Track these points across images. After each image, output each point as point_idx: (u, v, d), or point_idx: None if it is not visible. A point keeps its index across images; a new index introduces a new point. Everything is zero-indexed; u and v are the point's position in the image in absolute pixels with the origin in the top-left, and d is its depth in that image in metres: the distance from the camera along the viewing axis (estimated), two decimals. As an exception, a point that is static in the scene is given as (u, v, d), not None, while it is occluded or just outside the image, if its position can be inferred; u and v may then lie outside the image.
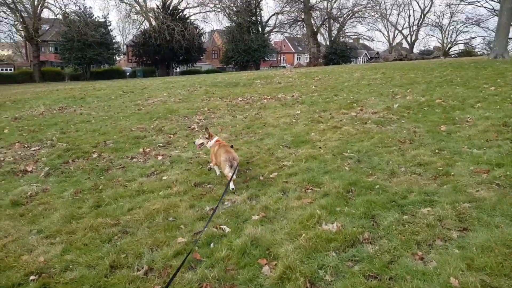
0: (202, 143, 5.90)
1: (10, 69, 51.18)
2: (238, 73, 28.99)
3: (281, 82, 17.08)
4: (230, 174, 5.06)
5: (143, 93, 16.04)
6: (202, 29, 54.43)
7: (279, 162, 6.18)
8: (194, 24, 51.58)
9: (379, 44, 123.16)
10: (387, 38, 72.96)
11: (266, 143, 7.37)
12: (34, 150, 7.69)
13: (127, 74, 50.22)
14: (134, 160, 6.81)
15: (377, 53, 76.91)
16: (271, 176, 5.52)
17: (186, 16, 51.24)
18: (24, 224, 4.38)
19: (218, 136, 6.02)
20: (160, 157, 6.81)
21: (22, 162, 6.83)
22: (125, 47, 62.41)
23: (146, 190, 5.28)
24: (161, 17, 46.29)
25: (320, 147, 6.80)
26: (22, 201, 5.07)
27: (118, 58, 56.87)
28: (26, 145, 8.05)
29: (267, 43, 56.90)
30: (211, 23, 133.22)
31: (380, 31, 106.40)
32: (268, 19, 61.80)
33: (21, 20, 41.63)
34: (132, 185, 5.52)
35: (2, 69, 50.31)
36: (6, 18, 44.20)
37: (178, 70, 55.89)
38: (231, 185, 5.10)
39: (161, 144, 7.77)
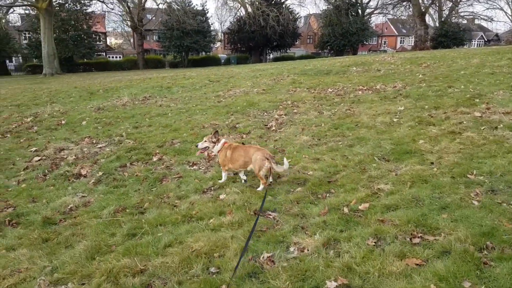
0: (207, 147, 5.04)
1: (119, 57, 55.55)
2: (332, 59, 26.84)
3: (381, 70, 14.86)
4: (267, 175, 4.70)
5: (228, 83, 15.21)
6: (297, 13, 52.81)
7: (372, 184, 4.57)
8: (290, 8, 50.11)
9: (500, 25, 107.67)
10: (510, 17, 62.96)
11: (357, 152, 5.75)
12: (100, 147, 7.14)
13: (222, 61, 50.89)
14: (194, 167, 5.76)
15: (496, 34, 67.64)
16: (359, 207, 3.97)
17: (282, 1, 49.97)
18: (41, 255, 3.55)
19: (224, 139, 5.21)
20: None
21: (80, 163, 6.25)
22: (222, 34, 63.45)
23: (195, 215, 4.15)
24: (257, 3, 45.79)
25: (433, 163, 5.01)
26: (55, 219, 4.32)
27: (215, 46, 58.03)
28: (94, 141, 7.57)
29: (367, 26, 52.81)
30: (307, 6, 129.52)
31: (502, 10, 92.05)
32: (369, 0, 57.45)
33: (128, 10, 44.61)
34: (181, 205, 4.45)
35: (112, 57, 54.91)
36: (113, 9, 47.91)
37: (271, 56, 55.13)
38: (270, 179, 4.79)
39: (230, 147, 6.64)
